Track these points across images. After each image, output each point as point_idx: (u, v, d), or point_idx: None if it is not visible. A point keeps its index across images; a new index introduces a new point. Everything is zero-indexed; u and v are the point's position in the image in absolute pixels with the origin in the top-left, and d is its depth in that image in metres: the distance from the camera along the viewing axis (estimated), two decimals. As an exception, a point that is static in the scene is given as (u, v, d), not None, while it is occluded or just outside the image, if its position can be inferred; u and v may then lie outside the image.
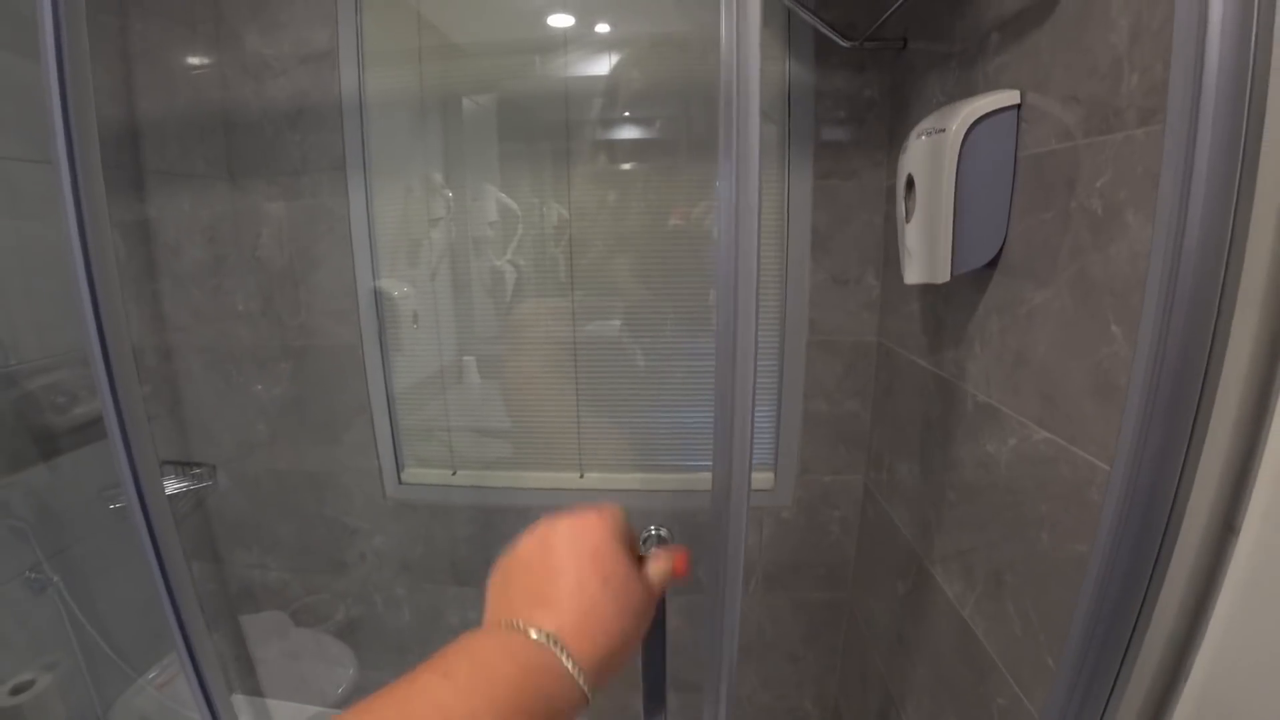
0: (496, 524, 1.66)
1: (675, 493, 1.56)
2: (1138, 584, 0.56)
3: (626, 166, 1.45)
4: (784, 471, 1.55)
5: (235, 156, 1.53)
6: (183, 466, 1.69)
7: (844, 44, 1.20)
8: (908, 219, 0.96)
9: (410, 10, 1.44)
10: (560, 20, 1.42)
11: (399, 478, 1.65)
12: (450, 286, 1.57)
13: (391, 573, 1.74)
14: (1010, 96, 0.83)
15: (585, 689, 0.35)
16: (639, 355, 1.52)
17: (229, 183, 1.55)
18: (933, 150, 0.87)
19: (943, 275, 0.89)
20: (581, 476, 1.59)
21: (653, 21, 1.40)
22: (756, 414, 1.48)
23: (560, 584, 0.38)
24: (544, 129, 1.46)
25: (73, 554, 1.40)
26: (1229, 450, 0.52)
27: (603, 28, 1.42)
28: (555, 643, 0.35)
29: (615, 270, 1.48)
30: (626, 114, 1.44)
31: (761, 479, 1.56)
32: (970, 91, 0.96)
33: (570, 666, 0.35)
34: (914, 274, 0.95)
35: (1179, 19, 0.49)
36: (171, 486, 1.66)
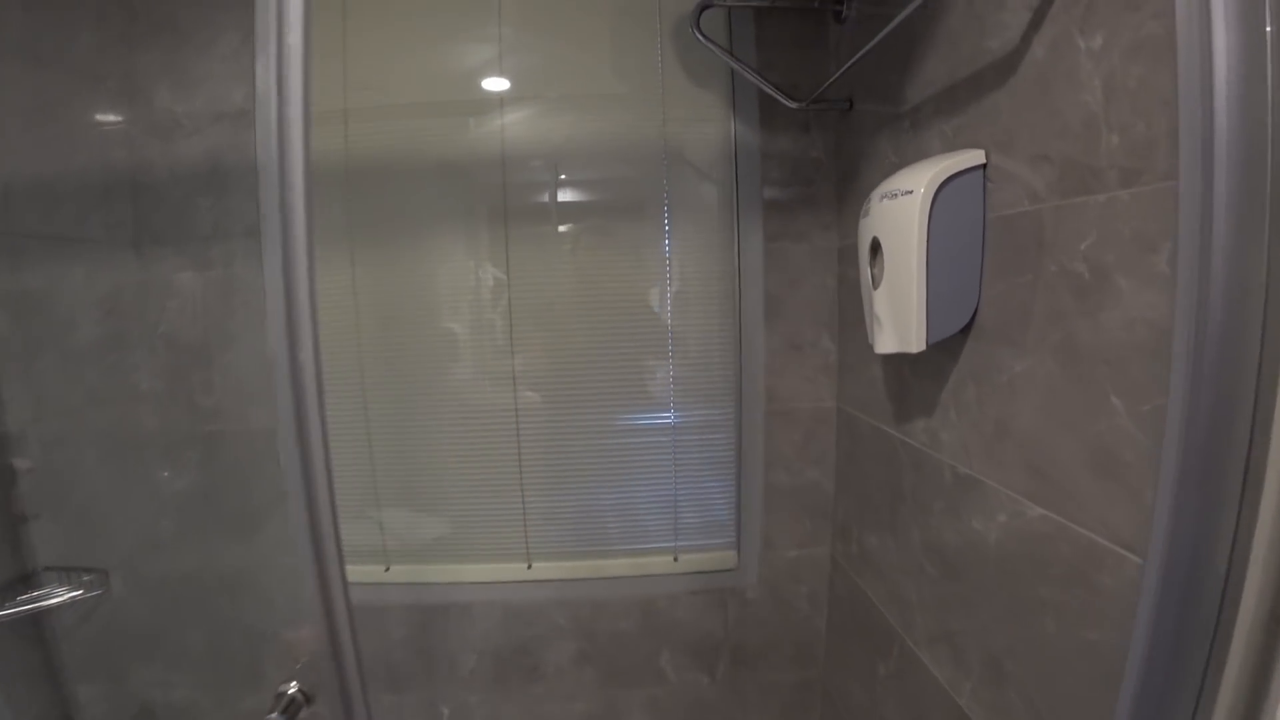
0: (437, 624, 1.50)
1: (634, 579, 1.44)
2: (1185, 690, 0.50)
3: (563, 229, 1.40)
4: (747, 549, 1.45)
5: (139, 221, 1.39)
6: (69, 572, 1.48)
7: (790, 105, 1.19)
8: (875, 285, 0.92)
9: (335, 69, 1.36)
10: (495, 84, 1.36)
11: (324, 574, 1.47)
12: (382, 360, 1.44)
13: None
14: (976, 156, 0.81)
15: None
16: (586, 426, 1.42)
17: (132, 250, 1.40)
18: (900, 212, 0.83)
19: (918, 344, 0.84)
20: (529, 567, 1.45)
21: (589, 84, 1.37)
22: (704, 489, 1.41)
23: None
24: (481, 191, 1.38)
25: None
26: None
27: (539, 90, 1.37)
28: None
29: (556, 334, 1.41)
30: (564, 176, 1.39)
31: (724, 558, 1.46)
32: (927, 152, 0.94)
33: None
34: (886, 343, 0.90)
35: (1183, 80, 0.46)
36: (56, 597, 1.44)
